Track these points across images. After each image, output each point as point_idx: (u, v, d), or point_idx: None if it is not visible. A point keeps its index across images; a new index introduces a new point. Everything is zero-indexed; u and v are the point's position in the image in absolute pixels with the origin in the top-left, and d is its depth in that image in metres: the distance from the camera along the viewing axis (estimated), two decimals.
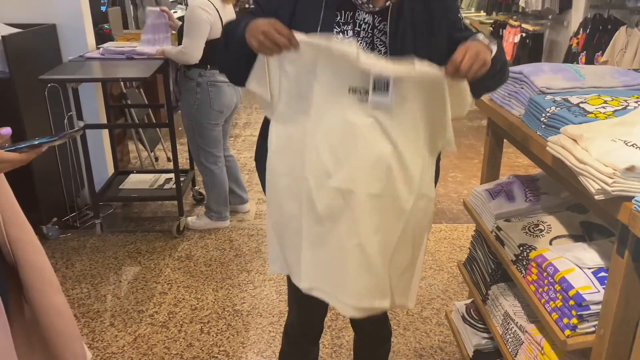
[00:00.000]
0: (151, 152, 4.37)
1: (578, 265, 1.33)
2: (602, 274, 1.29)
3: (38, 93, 3.04)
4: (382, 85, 1.18)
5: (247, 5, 8.67)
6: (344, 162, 1.23)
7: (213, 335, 2.41)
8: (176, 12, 5.34)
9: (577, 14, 4.66)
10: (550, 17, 5.22)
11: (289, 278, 1.49)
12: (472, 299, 2.04)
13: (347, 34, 1.32)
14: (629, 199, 1.06)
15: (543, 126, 1.42)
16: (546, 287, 1.37)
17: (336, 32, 1.32)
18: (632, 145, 1.14)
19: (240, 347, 2.33)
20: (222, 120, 3.16)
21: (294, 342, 1.75)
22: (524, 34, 5.36)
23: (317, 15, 1.31)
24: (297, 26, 1.22)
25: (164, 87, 3.20)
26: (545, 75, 1.59)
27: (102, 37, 4.35)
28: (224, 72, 1.44)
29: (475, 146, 4.83)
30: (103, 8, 5.14)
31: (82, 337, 1.70)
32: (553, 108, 1.40)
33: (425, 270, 2.89)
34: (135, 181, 3.55)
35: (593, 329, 1.26)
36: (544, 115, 1.42)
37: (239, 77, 1.30)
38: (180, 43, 3.04)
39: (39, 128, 3.07)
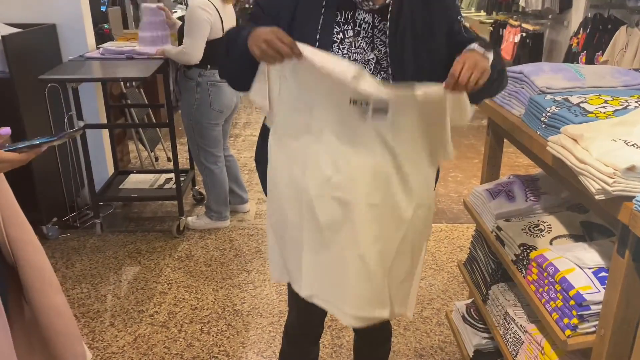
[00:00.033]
0: (151, 152, 4.37)
1: (578, 265, 1.33)
2: (603, 274, 1.29)
3: (38, 93, 3.04)
4: (381, 108, 1.18)
5: (247, 5, 8.66)
6: (344, 172, 1.23)
7: (213, 335, 2.41)
8: (176, 12, 5.33)
9: (577, 14, 4.66)
10: (550, 16, 5.21)
11: None
12: (472, 299, 2.03)
13: (347, 34, 1.32)
14: (630, 198, 1.06)
15: (543, 126, 1.41)
16: (546, 287, 1.37)
17: (336, 32, 1.32)
18: (633, 145, 1.14)
19: (241, 347, 2.33)
20: (222, 120, 3.16)
21: (294, 342, 1.75)
22: (524, 34, 5.36)
23: (317, 15, 1.31)
24: (298, 27, 1.22)
25: (164, 87, 3.20)
26: (546, 75, 1.59)
27: (102, 37, 4.34)
28: (225, 79, 1.45)
29: (475, 146, 4.82)
30: (103, 8, 5.13)
31: (82, 337, 1.70)
32: (553, 108, 1.40)
33: (425, 270, 2.89)
34: (135, 181, 3.55)
35: (593, 329, 1.26)
36: (544, 115, 1.42)
37: (240, 84, 1.31)
38: (180, 43, 3.04)
39: (39, 128, 3.07)
